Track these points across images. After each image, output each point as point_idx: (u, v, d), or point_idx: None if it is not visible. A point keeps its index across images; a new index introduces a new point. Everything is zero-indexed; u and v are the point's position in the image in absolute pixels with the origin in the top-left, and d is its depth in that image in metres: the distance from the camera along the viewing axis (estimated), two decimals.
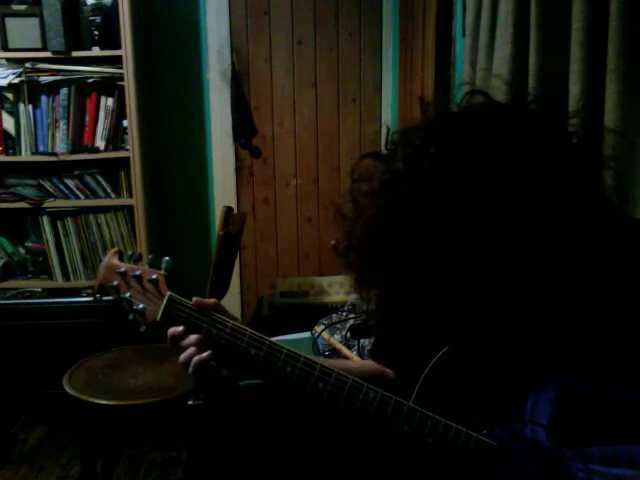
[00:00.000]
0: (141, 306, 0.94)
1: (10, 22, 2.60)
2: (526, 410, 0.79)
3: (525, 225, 0.76)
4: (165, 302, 0.93)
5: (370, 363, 1.12)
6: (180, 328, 0.94)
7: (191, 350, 0.93)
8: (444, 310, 0.83)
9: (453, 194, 0.76)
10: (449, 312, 0.82)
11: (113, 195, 2.81)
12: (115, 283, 0.96)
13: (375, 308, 0.91)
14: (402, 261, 0.80)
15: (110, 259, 0.98)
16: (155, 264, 0.96)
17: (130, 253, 0.97)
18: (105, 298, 0.98)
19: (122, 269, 0.96)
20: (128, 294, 0.95)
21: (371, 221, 0.82)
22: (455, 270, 0.78)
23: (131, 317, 0.95)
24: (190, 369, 0.94)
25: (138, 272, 0.95)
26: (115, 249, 1.00)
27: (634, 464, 0.74)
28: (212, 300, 0.94)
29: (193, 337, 0.93)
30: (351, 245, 0.86)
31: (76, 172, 2.77)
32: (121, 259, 0.98)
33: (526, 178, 0.76)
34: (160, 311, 0.93)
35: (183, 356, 0.94)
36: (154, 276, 0.94)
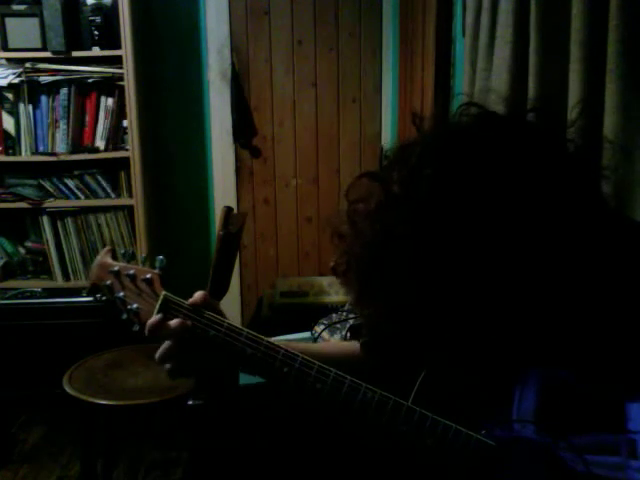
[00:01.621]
0: (135, 306, 0.92)
1: (10, 22, 2.60)
2: (513, 405, 0.79)
3: (526, 239, 0.76)
4: (160, 302, 0.92)
5: (343, 345, 1.13)
6: (158, 316, 0.89)
7: (168, 345, 0.89)
8: (441, 324, 0.82)
9: (451, 216, 0.76)
10: (446, 324, 0.82)
11: (113, 195, 2.81)
12: (108, 282, 0.94)
13: (373, 322, 0.91)
14: (400, 283, 0.79)
15: (103, 258, 0.95)
16: (149, 263, 0.95)
17: (123, 251, 0.95)
18: (105, 298, 0.97)
19: (115, 268, 0.94)
20: (122, 294, 0.93)
21: (369, 244, 0.81)
22: (455, 288, 0.78)
23: (124, 317, 0.93)
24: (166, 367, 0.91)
25: (132, 271, 0.93)
26: (108, 247, 0.98)
27: (617, 451, 0.75)
28: (201, 293, 0.91)
29: (174, 323, 0.89)
30: (350, 266, 0.86)
31: (76, 172, 2.77)
32: (114, 258, 0.96)
33: (525, 194, 0.75)
34: (155, 311, 0.91)
35: (161, 351, 0.89)
36: (148, 275, 0.93)
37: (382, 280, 0.81)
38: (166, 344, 0.89)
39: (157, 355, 0.90)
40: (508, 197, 0.75)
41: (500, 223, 0.75)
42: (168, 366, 0.90)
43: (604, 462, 0.75)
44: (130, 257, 0.95)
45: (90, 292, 0.96)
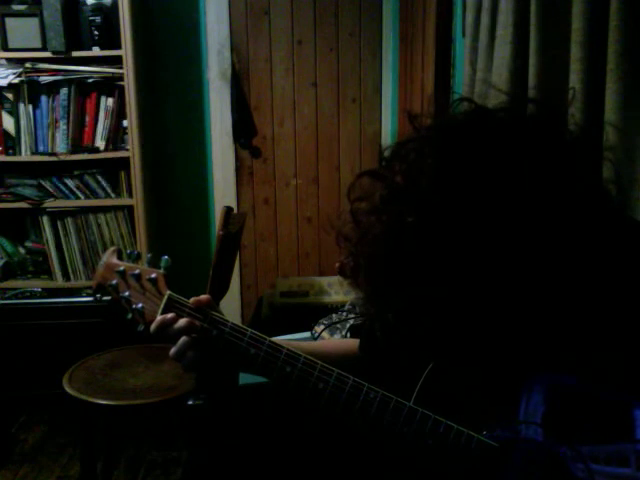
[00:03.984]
0: (140, 305, 0.93)
1: (10, 22, 2.60)
2: (520, 410, 0.79)
3: (531, 228, 0.76)
4: (164, 301, 0.93)
5: (344, 342, 1.13)
6: (169, 315, 0.91)
7: (184, 341, 0.91)
8: (452, 319, 0.82)
9: (457, 201, 0.76)
10: (456, 320, 0.82)
11: (113, 195, 2.81)
12: (114, 282, 0.95)
13: (382, 319, 0.90)
14: (413, 273, 0.79)
15: (109, 258, 0.96)
16: (154, 263, 0.96)
17: (129, 252, 0.96)
18: (105, 298, 0.98)
19: (121, 268, 0.95)
20: (127, 293, 0.94)
21: (378, 239, 0.81)
22: (468, 278, 0.77)
23: (129, 316, 0.94)
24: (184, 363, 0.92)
25: (137, 271, 0.94)
26: (114, 247, 0.99)
27: (626, 463, 0.74)
28: (206, 296, 0.93)
29: (182, 322, 0.91)
30: (359, 265, 0.85)
31: (76, 172, 2.77)
32: (120, 258, 0.97)
33: (525, 180, 0.75)
34: (159, 311, 0.92)
35: (176, 348, 0.91)
36: (153, 275, 0.94)
37: (394, 273, 0.80)
38: (182, 340, 0.91)
39: (172, 352, 0.91)
40: (507, 181, 0.75)
41: (502, 207, 0.75)
42: (183, 362, 0.92)
43: (613, 473, 0.75)
44: (136, 257, 0.96)
45: (95, 292, 0.97)
